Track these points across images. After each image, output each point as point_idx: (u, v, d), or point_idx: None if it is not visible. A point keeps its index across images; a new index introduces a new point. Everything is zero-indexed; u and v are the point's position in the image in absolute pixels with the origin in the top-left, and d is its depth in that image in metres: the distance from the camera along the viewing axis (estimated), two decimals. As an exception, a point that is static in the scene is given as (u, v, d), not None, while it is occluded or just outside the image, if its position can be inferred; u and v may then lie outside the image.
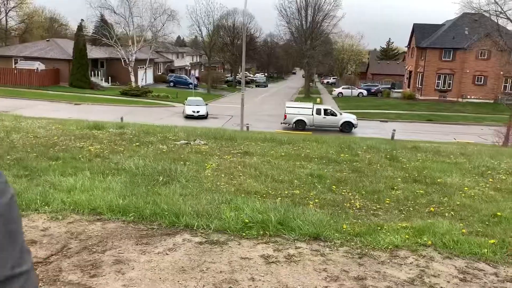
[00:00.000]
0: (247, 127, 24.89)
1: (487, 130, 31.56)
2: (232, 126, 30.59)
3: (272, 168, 7.18)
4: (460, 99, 49.19)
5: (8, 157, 6.77)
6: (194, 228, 4.40)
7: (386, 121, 37.24)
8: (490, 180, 7.43)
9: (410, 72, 54.82)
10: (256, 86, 77.07)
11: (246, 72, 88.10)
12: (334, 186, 6.29)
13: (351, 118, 30.87)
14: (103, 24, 45.34)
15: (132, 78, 46.71)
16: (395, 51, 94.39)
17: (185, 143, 9.14)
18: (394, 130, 23.91)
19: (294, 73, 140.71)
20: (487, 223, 5.19)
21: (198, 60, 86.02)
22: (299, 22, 56.38)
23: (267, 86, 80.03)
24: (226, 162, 7.41)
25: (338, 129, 29.83)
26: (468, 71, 49.12)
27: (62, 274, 3.32)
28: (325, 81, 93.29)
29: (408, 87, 54.98)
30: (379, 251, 4.14)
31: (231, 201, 5.21)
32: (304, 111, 30.41)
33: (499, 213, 5.46)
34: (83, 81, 46.11)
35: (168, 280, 3.31)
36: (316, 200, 5.58)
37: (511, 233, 4.77)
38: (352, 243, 4.28)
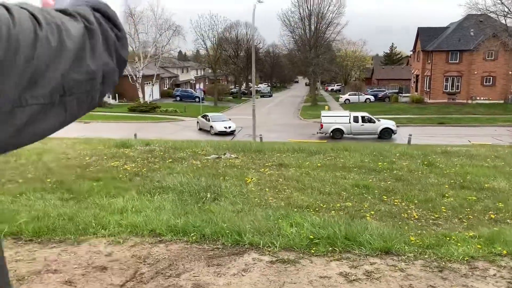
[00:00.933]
0: (261, 138, 24.77)
1: (501, 130, 31.32)
2: (244, 137, 30.53)
3: (314, 180, 7.05)
4: (469, 101, 48.91)
5: (48, 180, 6.68)
6: (260, 246, 4.27)
7: (398, 126, 37.04)
8: (538, 183, 7.25)
9: (417, 76, 54.68)
10: (261, 96, 77.11)
11: (250, 83, 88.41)
12: (384, 197, 6.15)
13: (390, 124, 29.79)
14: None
15: (140, 94, 46.90)
16: (399, 56, 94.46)
17: (216, 157, 9.03)
18: (411, 135, 23.71)
19: (297, 82, 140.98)
20: (553, 228, 5.02)
21: (202, 74, 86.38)
22: (303, 31, 56.55)
23: (271, 95, 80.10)
24: (266, 176, 7.28)
25: (376, 136, 29.00)
26: (476, 72, 48.91)
27: (145, 302, 3.19)
28: (329, 88, 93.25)
29: (416, 91, 54.80)
30: (456, 263, 3.99)
31: (287, 217, 5.08)
32: (341, 119, 29.51)
33: None
34: (92, 99, 46.24)
35: (256, 304, 3.17)
36: (372, 212, 5.43)
37: None
38: (426, 256, 4.13)
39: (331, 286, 3.49)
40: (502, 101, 48.56)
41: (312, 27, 55.17)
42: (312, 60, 52.40)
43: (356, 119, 29.43)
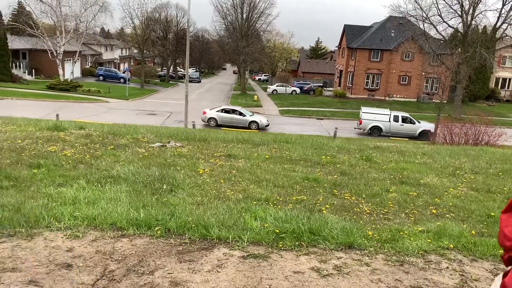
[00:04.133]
0: (193, 125, 24.43)
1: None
2: (174, 123, 29.92)
3: (266, 172, 7.12)
4: (387, 98, 52.15)
5: (-20, 165, 6.06)
6: (228, 241, 4.24)
7: (322, 119, 38.55)
8: (464, 180, 7.96)
9: (341, 71, 57.08)
10: (189, 81, 75.89)
11: (178, 67, 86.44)
12: (335, 190, 6.39)
13: (430, 126, 29.75)
14: (26, 12, 41.93)
15: (60, 72, 43.88)
16: (324, 50, 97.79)
17: (161, 145, 8.77)
18: (337, 128, 24.76)
19: (225, 69, 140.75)
20: (485, 223, 5.56)
21: (127, 53, 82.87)
22: (235, 19, 56.34)
23: (200, 81, 79.24)
24: (217, 167, 7.22)
25: (415, 137, 29.11)
26: (394, 71, 52.20)
27: (125, 302, 3.03)
28: (257, 78, 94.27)
29: (339, 85, 57.23)
30: (413, 257, 4.27)
31: (248, 210, 5.09)
32: (381, 117, 29.50)
33: (492, 213, 5.88)
34: (4, 74, 42.53)
35: (240, 302, 3.16)
36: (327, 206, 5.63)
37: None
38: (385, 250, 4.37)
39: (306, 281, 3.58)
40: (415, 100, 52.41)
41: (244, 16, 55.15)
42: (243, 49, 52.48)
43: (396, 119, 29.47)
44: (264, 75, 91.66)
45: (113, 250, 3.87)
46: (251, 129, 28.76)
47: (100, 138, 8.95)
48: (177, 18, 71.94)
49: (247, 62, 56.22)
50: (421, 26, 42.99)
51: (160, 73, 71.90)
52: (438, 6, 40.32)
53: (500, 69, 56.10)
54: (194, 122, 25.37)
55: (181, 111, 36.44)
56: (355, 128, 30.96)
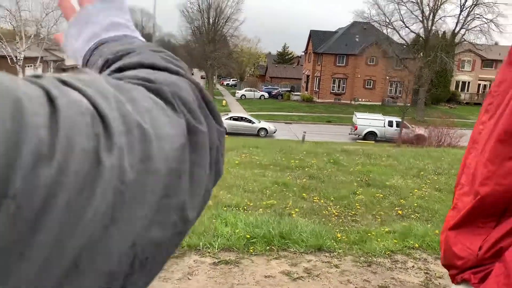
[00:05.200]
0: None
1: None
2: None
3: (236, 177, 7.15)
4: (352, 102, 53.21)
5: None
6: (199, 248, 4.24)
7: (291, 123, 38.93)
8: (428, 181, 8.24)
9: (308, 76, 57.86)
10: (155, 87, 75.23)
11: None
12: (304, 194, 6.48)
13: (422, 130, 30.20)
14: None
15: (21, 78, 42.46)
16: (291, 55, 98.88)
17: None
18: (305, 132, 25.07)
19: (192, 74, 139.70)
20: (448, 222, 5.77)
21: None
22: (202, 24, 56.27)
23: (167, 87, 78.48)
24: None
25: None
26: (359, 75, 53.32)
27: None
28: (225, 83, 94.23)
29: (306, 90, 57.97)
30: (380, 258, 4.39)
31: (219, 216, 5.10)
32: (375, 122, 29.55)
33: (454, 213, 6.11)
34: (-40, 80, 40.79)
35: (212, 309, 3.16)
36: (296, 209, 5.71)
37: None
38: (354, 252, 4.48)
39: (277, 285, 3.62)
40: (380, 103, 53.70)
41: (211, 21, 55.16)
42: (211, 54, 52.44)
43: (390, 124, 29.58)
44: (232, 80, 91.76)
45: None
46: (259, 136, 28.46)
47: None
48: (141, 23, 71.17)
49: (214, 67, 56.18)
50: (385, 31, 44.23)
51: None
52: (400, 12, 41.62)
53: (459, 73, 58.23)
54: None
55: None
56: (349, 134, 31.14)
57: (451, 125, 27.64)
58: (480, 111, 1.16)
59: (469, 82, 60.49)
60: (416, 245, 4.76)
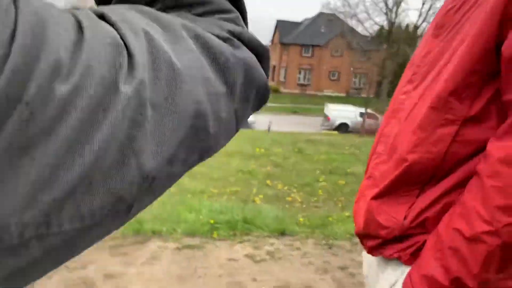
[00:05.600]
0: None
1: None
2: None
3: (201, 165, 7.12)
4: (318, 93, 53.85)
5: None
6: (162, 233, 4.25)
7: (258, 113, 38.97)
8: (387, 168, 8.51)
9: (274, 66, 58.00)
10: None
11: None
12: (268, 181, 6.57)
13: None
14: None
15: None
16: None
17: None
18: (271, 122, 25.21)
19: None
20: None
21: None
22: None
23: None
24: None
25: None
26: (324, 67, 53.95)
27: (56, 299, 2.96)
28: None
29: (272, 80, 58.14)
30: (341, 241, 4.53)
31: (183, 203, 5.12)
32: (347, 114, 29.69)
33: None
34: None
35: (176, 291, 3.20)
36: (261, 196, 5.79)
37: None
38: (315, 235, 4.60)
39: (240, 268, 3.69)
40: (344, 95, 54.61)
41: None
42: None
43: (362, 115, 29.51)
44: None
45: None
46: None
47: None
48: None
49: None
50: (350, 23, 44.83)
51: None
52: (365, 4, 42.24)
53: (420, 65, 59.85)
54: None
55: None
56: (321, 126, 31.19)
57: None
58: (401, 81, 1.18)
59: (429, 75, 62.36)
60: (375, 228, 4.95)
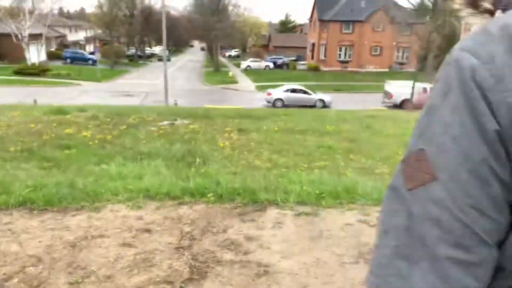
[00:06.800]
0: (175, 103, 24.46)
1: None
2: (152, 103, 29.78)
3: (281, 143, 7.53)
4: (360, 69, 53.04)
5: (12, 149, 6.20)
6: (277, 202, 4.65)
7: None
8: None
9: (313, 44, 57.43)
10: (158, 60, 74.77)
11: (147, 47, 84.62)
12: (351, 155, 6.86)
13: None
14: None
15: (27, 56, 42.46)
16: (293, 24, 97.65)
17: (170, 123, 9.02)
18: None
19: (192, 46, 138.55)
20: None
21: (92, 34, 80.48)
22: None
23: (170, 60, 77.99)
24: (235, 140, 7.58)
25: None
26: (366, 42, 52.95)
27: (217, 254, 3.42)
28: (227, 54, 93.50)
29: (312, 59, 57.67)
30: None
31: (282, 176, 5.50)
32: (410, 90, 29.74)
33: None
34: (-34, 60, 40.85)
35: (316, 249, 3.59)
36: (350, 169, 6.10)
37: None
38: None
39: (360, 230, 4.04)
40: (387, 70, 53.50)
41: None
42: (215, 24, 52.00)
43: (425, 90, 28.85)
44: (235, 51, 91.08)
45: (178, 216, 4.22)
46: (316, 107, 28.41)
47: (108, 119, 9.11)
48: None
49: (219, 38, 55.79)
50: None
51: (127, 53, 70.39)
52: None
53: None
54: (176, 101, 25.38)
55: (156, 91, 36.17)
56: (383, 102, 30.88)
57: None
58: None
59: (475, 46, 59.94)
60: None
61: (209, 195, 4.70)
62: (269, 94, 30.24)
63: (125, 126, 8.33)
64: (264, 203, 4.63)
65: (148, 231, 3.83)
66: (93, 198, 4.52)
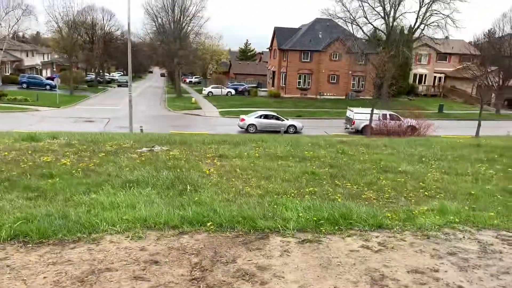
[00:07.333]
0: (141, 130, 24.06)
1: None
2: (116, 129, 29.14)
3: (266, 169, 7.55)
4: (318, 96, 54.44)
5: (-10, 178, 5.88)
6: (277, 230, 4.64)
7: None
8: (433, 166, 8.95)
9: (274, 72, 58.59)
10: (118, 86, 73.75)
11: (106, 73, 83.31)
12: (337, 181, 6.98)
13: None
14: None
15: (-20, 80, 40.69)
16: (253, 52, 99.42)
17: (148, 150, 8.87)
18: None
19: (151, 72, 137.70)
20: (469, 200, 6.45)
21: (49, 59, 78.40)
22: (166, 21, 55.71)
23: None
24: (219, 167, 7.53)
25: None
26: (323, 71, 54.61)
27: (234, 286, 3.35)
28: (187, 80, 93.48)
29: (273, 86, 58.71)
30: (433, 231, 4.95)
31: (276, 203, 5.51)
32: (368, 116, 30.48)
33: (472, 192, 6.82)
34: None
35: (330, 277, 3.59)
36: (339, 195, 6.19)
37: (498, 207, 6.07)
38: (409, 228, 5.01)
39: (365, 257, 4.09)
40: (344, 97, 55.19)
41: (176, 18, 54.72)
42: (178, 52, 52.06)
43: (384, 117, 30.27)
44: (195, 77, 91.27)
45: (182, 246, 4.12)
46: (289, 132, 29.39)
47: (84, 146, 8.84)
48: (103, 21, 69.52)
49: (181, 65, 55.81)
50: (348, 27, 45.55)
51: (86, 78, 68.89)
52: (363, 9, 42.96)
53: (418, 66, 60.71)
54: (142, 127, 24.98)
55: (118, 116, 35.59)
56: (345, 128, 32.61)
57: (420, 116, 29.10)
58: None
59: (425, 75, 63.14)
60: (456, 220, 5.36)
61: (208, 224, 4.64)
62: (243, 120, 30.69)
63: (103, 154, 8.09)
64: (265, 231, 4.62)
65: (156, 262, 3.71)
66: (89, 229, 4.34)
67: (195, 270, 3.60)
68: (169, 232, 4.45)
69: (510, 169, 9.03)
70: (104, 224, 4.47)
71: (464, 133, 27.61)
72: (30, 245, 3.96)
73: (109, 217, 4.61)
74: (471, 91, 53.39)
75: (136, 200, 5.25)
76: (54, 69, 77.07)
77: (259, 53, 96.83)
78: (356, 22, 43.73)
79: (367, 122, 30.58)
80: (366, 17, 43.75)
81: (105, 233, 4.32)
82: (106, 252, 3.88)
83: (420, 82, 62.90)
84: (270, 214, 5.02)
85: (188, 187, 5.97)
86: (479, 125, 29.64)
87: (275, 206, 5.34)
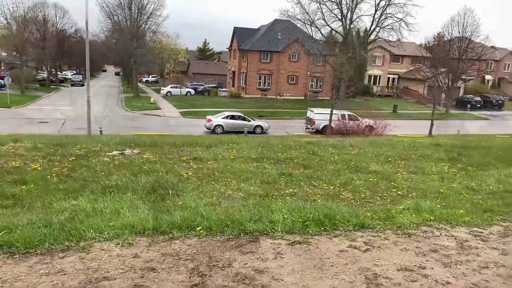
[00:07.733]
0: (101, 131, 23.39)
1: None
2: (73, 130, 28.17)
3: (243, 171, 7.59)
4: (278, 97, 54.93)
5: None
6: (266, 232, 4.70)
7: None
8: (399, 165, 9.31)
9: (234, 72, 58.53)
10: (71, 85, 71.24)
11: (53, 70, 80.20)
12: (313, 182, 7.13)
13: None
14: None
15: None
16: (212, 51, 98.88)
17: (120, 153, 8.69)
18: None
19: (105, 71, 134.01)
20: (440, 198, 6.78)
21: (-4, 56, 74.42)
22: (124, 20, 54.42)
23: (84, 84, 74.53)
24: (196, 170, 7.50)
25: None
26: (283, 72, 55.16)
27: (236, 290, 3.37)
28: (144, 79, 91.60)
29: (233, 86, 58.64)
30: (411, 230, 5.17)
31: (261, 205, 5.57)
32: (328, 116, 30.62)
33: (441, 190, 7.17)
34: None
35: (327, 278, 3.69)
36: (318, 196, 6.34)
37: (466, 205, 6.42)
38: (389, 227, 5.21)
39: (354, 256, 4.23)
40: (303, 97, 56.03)
41: (133, 16, 53.54)
42: (134, 51, 50.96)
43: (343, 117, 30.63)
44: (152, 77, 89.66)
45: (175, 251, 4.10)
46: (255, 133, 29.42)
47: (51, 150, 8.54)
48: (56, 18, 66.88)
49: (139, 64, 54.66)
50: (307, 29, 46.28)
51: (38, 77, 66.04)
52: (322, 11, 43.78)
53: (372, 67, 62.55)
54: (101, 128, 24.29)
55: (74, 117, 34.42)
56: (306, 128, 32.91)
57: (377, 116, 30.05)
58: None
59: (380, 76, 65.16)
60: (432, 218, 5.63)
61: (198, 228, 4.63)
62: (209, 120, 30.52)
63: (74, 158, 7.85)
64: (255, 234, 4.67)
65: (153, 269, 3.67)
66: (76, 237, 4.23)
67: (193, 276, 3.60)
68: (159, 238, 4.41)
69: (470, 168, 9.54)
70: (92, 231, 4.36)
71: (418, 132, 28.80)
72: (17, 256, 3.81)
73: (95, 224, 4.51)
74: (423, 91, 55.68)
75: (119, 206, 5.15)
76: (2, 67, 73.38)
77: (218, 52, 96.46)
78: (315, 24, 44.57)
79: (326, 122, 31.19)
80: (324, 19, 44.67)
81: (93, 240, 4.22)
82: (99, 260, 3.79)
83: (374, 83, 64.83)
84: (257, 216, 5.07)
85: (170, 192, 5.92)
86: (432, 124, 30.96)
87: (260, 209, 5.40)
